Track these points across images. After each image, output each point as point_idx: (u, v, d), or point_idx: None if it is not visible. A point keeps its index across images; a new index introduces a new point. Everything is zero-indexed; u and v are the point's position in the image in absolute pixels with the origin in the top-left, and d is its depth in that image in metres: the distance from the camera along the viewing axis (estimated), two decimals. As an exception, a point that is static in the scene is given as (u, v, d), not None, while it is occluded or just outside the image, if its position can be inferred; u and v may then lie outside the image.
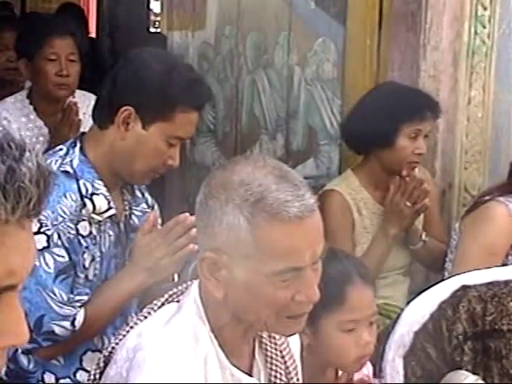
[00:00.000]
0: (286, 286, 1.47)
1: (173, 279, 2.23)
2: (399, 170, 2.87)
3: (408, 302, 2.02)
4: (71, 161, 2.11)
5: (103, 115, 2.13)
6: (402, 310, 2.25)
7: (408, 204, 2.82)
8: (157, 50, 2.62)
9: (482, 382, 1.62)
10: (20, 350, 2.07)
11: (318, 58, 3.58)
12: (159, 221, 2.27)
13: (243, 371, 1.57)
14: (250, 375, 1.59)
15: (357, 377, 2.04)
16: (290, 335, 1.62)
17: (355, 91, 3.29)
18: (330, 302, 1.87)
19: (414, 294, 2.25)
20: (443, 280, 2.03)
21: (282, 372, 1.64)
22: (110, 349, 1.63)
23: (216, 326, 1.54)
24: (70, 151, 2.14)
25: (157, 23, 6.97)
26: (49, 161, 2.11)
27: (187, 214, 2.07)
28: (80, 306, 2.06)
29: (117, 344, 1.62)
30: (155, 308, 1.63)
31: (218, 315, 1.54)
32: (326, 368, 2.01)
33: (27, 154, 0.87)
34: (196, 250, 2.03)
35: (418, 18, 3.04)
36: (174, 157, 2.13)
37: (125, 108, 2.07)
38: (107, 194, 2.13)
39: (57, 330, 2.03)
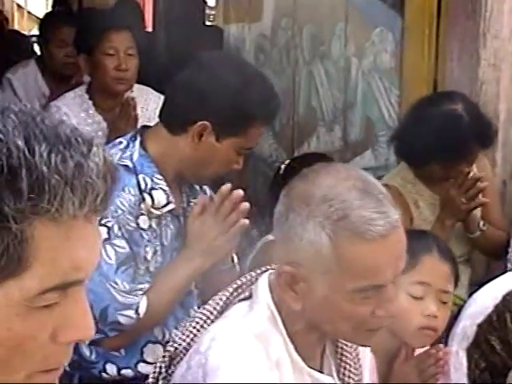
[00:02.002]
0: (366, 302, 1.45)
1: (232, 260, 2.24)
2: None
3: (470, 294, 2.00)
4: (131, 155, 2.12)
5: (176, 122, 2.13)
6: (464, 301, 2.23)
7: (463, 200, 2.78)
8: (228, 55, 2.59)
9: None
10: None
11: (375, 48, 3.55)
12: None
13: (316, 369, 1.56)
14: (321, 371, 1.58)
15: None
16: (366, 345, 1.61)
17: (413, 81, 3.26)
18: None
19: (476, 285, 2.23)
20: (506, 271, 2.00)
21: (352, 363, 1.63)
22: (176, 345, 1.62)
23: (290, 331, 1.52)
24: (130, 145, 2.15)
25: (211, 16, 6.99)
26: (108, 153, 2.12)
27: (229, 184, 2.10)
28: (142, 294, 2.08)
29: (183, 340, 1.61)
30: (220, 303, 1.62)
31: (293, 321, 1.53)
32: (395, 345, 1.98)
33: (94, 149, 0.87)
34: (247, 224, 2.04)
35: (478, 5, 2.99)
36: (239, 162, 2.17)
37: (202, 122, 2.09)
38: (166, 188, 2.13)
39: (122, 319, 2.05)
